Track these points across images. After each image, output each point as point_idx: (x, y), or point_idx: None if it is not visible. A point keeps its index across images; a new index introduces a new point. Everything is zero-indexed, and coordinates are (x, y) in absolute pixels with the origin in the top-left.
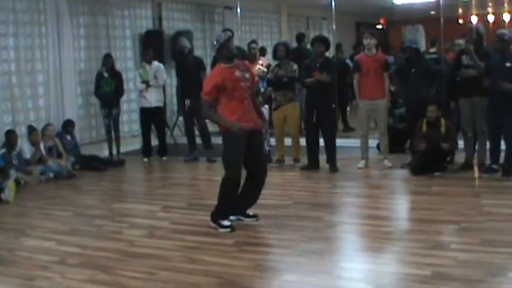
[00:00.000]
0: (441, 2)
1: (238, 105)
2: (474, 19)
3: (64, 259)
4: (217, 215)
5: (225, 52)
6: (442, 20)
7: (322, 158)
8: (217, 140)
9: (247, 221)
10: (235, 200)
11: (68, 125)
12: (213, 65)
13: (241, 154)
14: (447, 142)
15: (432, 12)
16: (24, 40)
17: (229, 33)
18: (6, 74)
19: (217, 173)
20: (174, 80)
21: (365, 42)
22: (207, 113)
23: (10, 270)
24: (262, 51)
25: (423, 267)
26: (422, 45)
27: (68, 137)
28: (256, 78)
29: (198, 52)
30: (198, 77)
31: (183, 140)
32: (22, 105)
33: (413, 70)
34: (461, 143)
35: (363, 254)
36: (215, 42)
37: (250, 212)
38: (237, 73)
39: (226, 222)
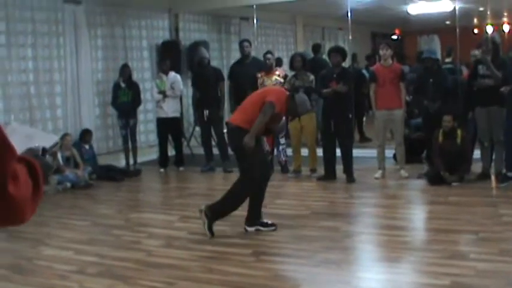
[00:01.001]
0: (457, 12)
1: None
2: (489, 29)
3: (83, 268)
4: (253, 218)
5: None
6: (457, 29)
7: (339, 168)
8: None
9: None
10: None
11: (86, 134)
12: (230, 75)
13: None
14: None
15: (447, 22)
16: (42, 50)
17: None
18: (25, 84)
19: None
20: (191, 91)
21: (381, 52)
22: (267, 115)
23: (29, 279)
24: (278, 62)
25: (441, 277)
26: (438, 55)
27: (86, 147)
28: None
29: (214, 63)
30: (217, 88)
31: (200, 150)
32: (40, 115)
33: (431, 80)
34: (478, 153)
35: (381, 264)
36: (305, 110)
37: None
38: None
39: (268, 221)
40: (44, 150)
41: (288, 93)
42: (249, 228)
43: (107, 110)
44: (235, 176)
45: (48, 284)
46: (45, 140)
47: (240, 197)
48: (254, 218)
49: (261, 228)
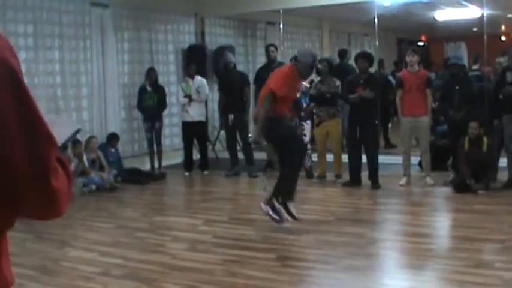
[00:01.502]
0: (484, 19)
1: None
2: None
3: (107, 270)
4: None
5: (307, 74)
6: (485, 36)
7: (364, 174)
8: (259, 156)
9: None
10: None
11: (112, 138)
12: (256, 79)
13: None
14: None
15: (475, 29)
16: (69, 53)
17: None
18: (52, 87)
19: (259, 188)
20: (216, 95)
21: (407, 59)
22: (264, 107)
23: (54, 280)
24: None
25: (467, 285)
26: (465, 63)
27: (112, 150)
28: (298, 94)
29: (240, 67)
30: (242, 92)
31: (225, 154)
32: None
33: (457, 87)
34: (504, 161)
35: (405, 271)
36: (311, 59)
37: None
38: (298, 85)
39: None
40: (64, 143)
41: (289, 65)
42: (263, 206)
43: (133, 113)
44: (259, 180)
45: (73, 285)
46: (66, 127)
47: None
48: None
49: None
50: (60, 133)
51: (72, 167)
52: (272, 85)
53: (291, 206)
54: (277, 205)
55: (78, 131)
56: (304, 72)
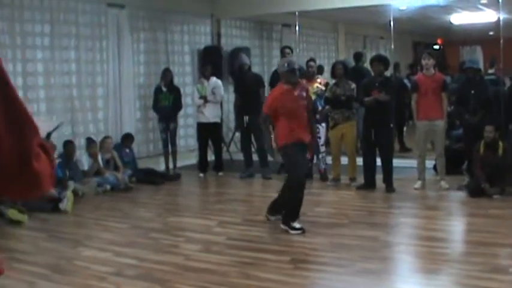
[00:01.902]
0: (501, 23)
1: (295, 122)
2: None
3: (121, 270)
4: (288, 218)
5: (292, 78)
6: (501, 40)
7: (379, 177)
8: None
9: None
10: (301, 203)
11: (127, 138)
12: (272, 81)
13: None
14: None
15: (491, 33)
16: (85, 53)
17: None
18: (67, 87)
19: (273, 190)
20: (232, 96)
21: (423, 62)
22: (263, 124)
23: (67, 279)
24: (320, 70)
25: None
26: (480, 66)
27: (126, 150)
28: (313, 97)
29: (255, 69)
30: (257, 94)
31: (239, 156)
32: (82, 117)
33: (472, 91)
34: None
35: (420, 275)
36: (286, 65)
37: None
38: (296, 93)
39: (297, 225)
40: (48, 134)
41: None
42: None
43: (148, 113)
44: (274, 183)
45: (86, 284)
46: (50, 122)
47: (289, 192)
48: (287, 216)
49: (290, 230)
50: (47, 126)
51: (55, 154)
52: (264, 108)
53: (273, 218)
54: (293, 224)
55: (60, 124)
56: (286, 78)
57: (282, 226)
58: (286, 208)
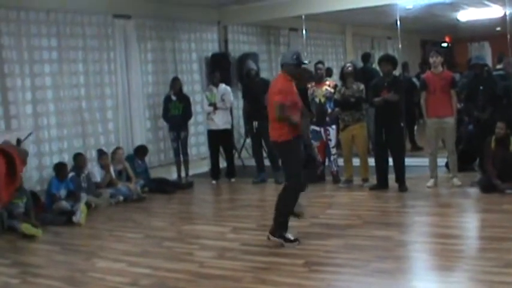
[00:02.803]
0: (507, 18)
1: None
2: None
3: (136, 280)
4: (280, 229)
5: (296, 71)
6: (508, 36)
7: (391, 177)
8: None
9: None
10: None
11: (141, 151)
12: None
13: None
14: None
15: (498, 29)
16: (93, 65)
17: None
18: (77, 99)
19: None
20: (241, 102)
21: (431, 60)
22: (282, 113)
23: None
24: (328, 72)
25: (497, 285)
26: (489, 62)
27: (139, 161)
28: (323, 100)
29: (263, 74)
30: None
31: (251, 161)
32: (92, 129)
33: (481, 87)
34: None
35: (435, 273)
36: (294, 57)
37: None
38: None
39: (291, 236)
40: (19, 140)
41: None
42: (274, 239)
43: (158, 123)
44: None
45: None
46: (19, 134)
47: (287, 198)
48: (278, 227)
49: (285, 242)
50: (19, 134)
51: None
52: (277, 98)
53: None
54: (287, 236)
55: (30, 134)
56: (290, 71)
57: (275, 239)
58: (281, 217)
